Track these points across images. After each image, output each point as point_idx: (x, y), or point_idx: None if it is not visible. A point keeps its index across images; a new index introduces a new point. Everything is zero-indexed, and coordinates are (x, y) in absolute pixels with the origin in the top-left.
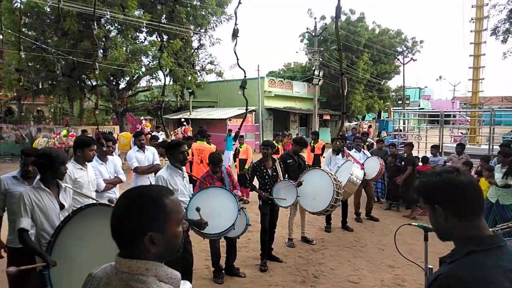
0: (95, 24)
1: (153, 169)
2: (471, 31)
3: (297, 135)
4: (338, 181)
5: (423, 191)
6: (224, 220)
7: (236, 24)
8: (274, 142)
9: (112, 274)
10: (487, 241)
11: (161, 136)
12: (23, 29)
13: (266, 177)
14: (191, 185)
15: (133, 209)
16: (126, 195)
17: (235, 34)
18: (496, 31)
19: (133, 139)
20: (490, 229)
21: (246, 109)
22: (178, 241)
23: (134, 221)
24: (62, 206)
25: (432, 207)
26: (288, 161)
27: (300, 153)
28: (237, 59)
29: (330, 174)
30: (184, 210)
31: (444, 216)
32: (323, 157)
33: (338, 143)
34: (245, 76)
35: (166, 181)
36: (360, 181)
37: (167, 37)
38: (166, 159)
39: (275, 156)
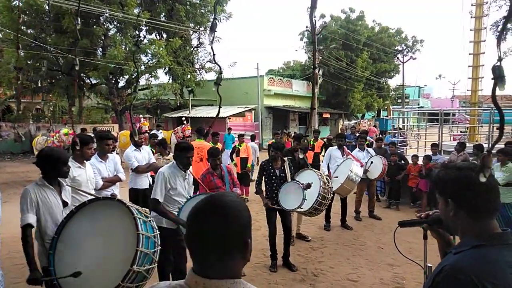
0: (78, 19)
1: (151, 168)
2: (470, 30)
3: (295, 133)
4: (328, 186)
5: (439, 182)
6: None
7: (214, 18)
8: (273, 141)
9: None
10: (495, 237)
11: (161, 134)
12: (22, 27)
13: (273, 177)
14: (193, 186)
15: (229, 219)
16: (212, 206)
17: (213, 29)
18: (497, 25)
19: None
20: None
21: (219, 107)
22: None
23: (237, 230)
24: (65, 204)
25: (445, 200)
26: (288, 158)
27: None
28: (213, 55)
29: (320, 177)
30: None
31: (454, 211)
32: (323, 156)
33: (306, 141)
34: (221, 73)
35: (166, 179)
36: (360, 179)
37: (166, 35)
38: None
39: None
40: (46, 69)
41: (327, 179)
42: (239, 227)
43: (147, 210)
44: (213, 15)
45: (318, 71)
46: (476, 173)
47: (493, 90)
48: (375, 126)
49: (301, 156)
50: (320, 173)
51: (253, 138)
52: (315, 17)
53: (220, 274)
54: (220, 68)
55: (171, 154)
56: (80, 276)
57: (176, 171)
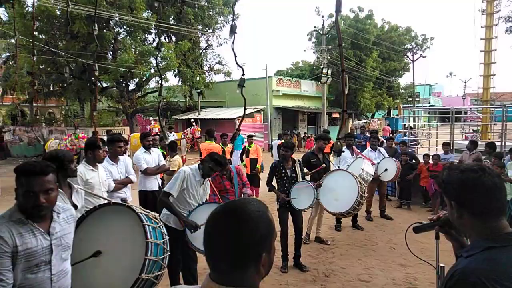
0: (95, 25)
1: (161, 170)
2: (481, 26)
3: (305, 134)
4: (363, 184)
5: (444, 185)
6: None
7: (233, 20)
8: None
9: None
10: (506, 237)
11: (173, 136)
12: (34, 33)
13: (285, 178)
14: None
15: (244, 228)
16: (228, 213)
17: (232, 31)
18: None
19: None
20: None
21: (245, 108)
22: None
23: (250, 242)
24: (75, 207)
25: (450, 202)
26: (312, 160)
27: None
28: (235, 56)
29: (355, 177)
30: (187, 213)
31: (458, 213)
32: (332, 156)
33: (338, 144)
34: (243, 74)
35: (185, 178)
36: (371, 178)
37: (175, 38)
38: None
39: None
40: (69, 73)
41: (360, 178)
42: (253, 238)
43: (157, 215)
44: (232, 16)
45: (327, 72)
46: (478, 175)
47: None
48: (388, 125)
49: (334, 159)
50: (353, 173)
51: (279, 137)
52: (340, 15)
53: (235, 283)
54: (243, 70)
55: (177, 156)
56: (92, 272)
57: (196, 175)
